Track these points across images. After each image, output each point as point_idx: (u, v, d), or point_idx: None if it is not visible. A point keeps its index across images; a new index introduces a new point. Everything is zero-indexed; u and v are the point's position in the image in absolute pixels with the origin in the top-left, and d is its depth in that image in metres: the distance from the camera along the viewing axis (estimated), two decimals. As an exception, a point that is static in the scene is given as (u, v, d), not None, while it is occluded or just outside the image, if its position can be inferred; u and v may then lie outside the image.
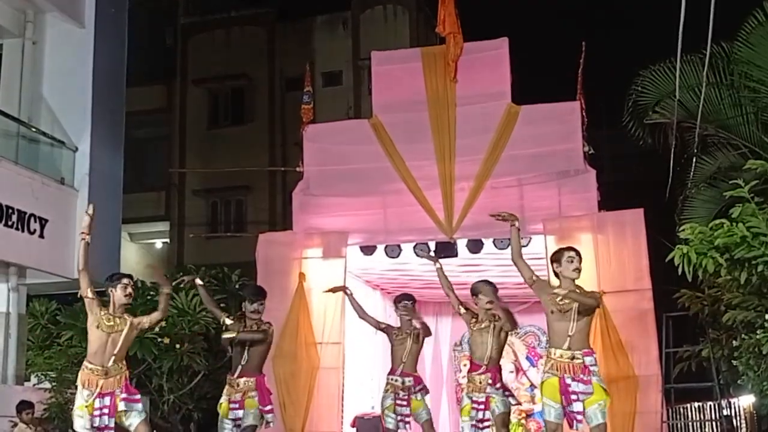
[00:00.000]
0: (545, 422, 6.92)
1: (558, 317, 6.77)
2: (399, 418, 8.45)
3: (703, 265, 6.76)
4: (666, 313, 9.92)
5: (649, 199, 10.81)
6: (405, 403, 8.43)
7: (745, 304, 7.90)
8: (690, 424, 16.43)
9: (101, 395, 6.83)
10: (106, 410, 6.80)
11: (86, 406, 6.82)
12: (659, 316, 9.77)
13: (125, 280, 7.18)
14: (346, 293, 9.21)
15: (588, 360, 6.71)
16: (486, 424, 7.74)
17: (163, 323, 12.47)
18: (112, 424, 6.84)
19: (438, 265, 8.39)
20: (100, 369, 6.90)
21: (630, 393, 9.28)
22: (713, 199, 11.47)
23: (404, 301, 8.67)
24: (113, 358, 6.95)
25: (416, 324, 8.70)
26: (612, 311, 9.51)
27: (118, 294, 7.10)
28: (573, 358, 6.68)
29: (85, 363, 7.02)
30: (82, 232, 7.36)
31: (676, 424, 15.94)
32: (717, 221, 6.82)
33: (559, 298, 6.77)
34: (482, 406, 7.68)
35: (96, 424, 6.79)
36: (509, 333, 8.08)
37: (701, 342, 10.02)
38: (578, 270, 6.87)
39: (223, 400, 7.85)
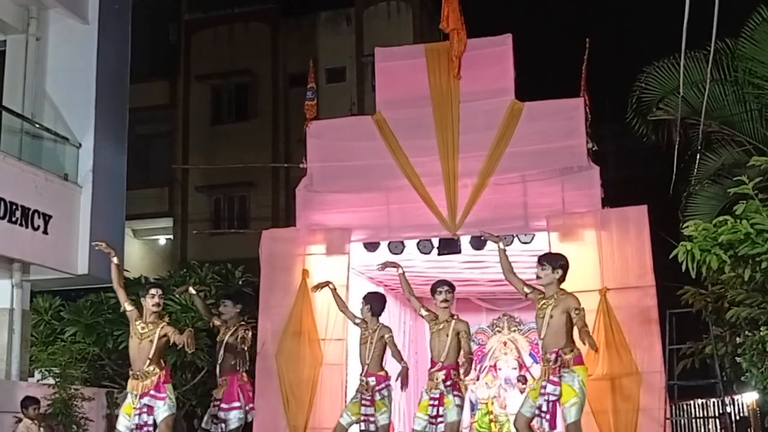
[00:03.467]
0: (517, 413, 7.45)
1: (538, 321, 7.29)
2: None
3: (706, 262, 6.76)
4: (669, 310, 9.90)
5: (652, 195, 10.78)
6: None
7: (748, 301, 7.90)
8: (693, 421, 16.43)
9: (141, 396, 7.55)
10: (145, 409, 7.52)
11: (127, 407, 7.72)
12: (663, 312, 9.75)
13: (152, 291, 7.86)
14: (329, 288, 9.22)
15: (552, 357, 7.05)
16: (440, 420, 7.94)
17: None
18: (151, 421, 7.55)
19: (401, 271, 8.62)
20: (138, 373, 7.66)
21: (633, 389, 9.29)
22: (717, 195, 11.45)
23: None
24: (148, 362, 7.60)
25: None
26: (615, 308, 9.51)
27: (147, 303, 7.82)
28: (547, 361, 7.10)
29: (129, 371, 7.83)
30: (109, 254, 8.17)
31: (679, 421, 15.94)
32: (721, 218, 6.82)
33: (540, 303, 7.28)
34: (436, 402, 7.94)
35: (137, 422, 7.52)
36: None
37: (704, 339, 10.00)
38: (539, 277, 7.37)
39: None
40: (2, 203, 10.96)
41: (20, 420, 9.92)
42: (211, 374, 13.24)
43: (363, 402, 8.41)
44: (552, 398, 6.93)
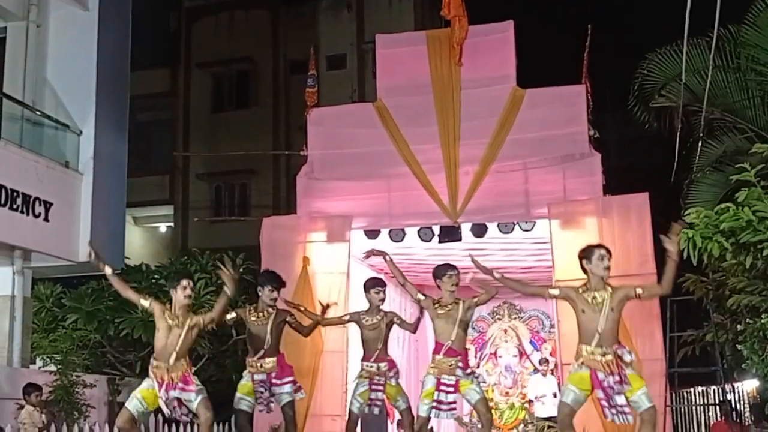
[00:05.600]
0: (560, 404, 6.84)
1: (589, 315, 6.64)
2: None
3: (708, 250, 6.76)
4: (670, 298, 9.90)
5: (654, 183, 10.77)
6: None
7: (750, 289, 7.89)
8: (693, 408, 16.46)
9: (167, 388, 7.25)
10: (175, 402, 7.28)
11: (146, 392, 7.31)
12: (663, 300, 9.75)
13: (184, 282, 7.39)
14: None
15: (619, 351, 6.61)
16: (452, 406, 7.78)
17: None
18: (182, 412, 7.36)
19: (388, 258, 8.36)
20: (163, 365, 7.26)
21: (634, 377, 9.28)
22: (719, 183, 11.43)
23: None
24: (174, 354, 7.24)
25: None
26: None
27: (178, 295, 7.37)
28: (604, 354, 6.58)
29: (151, 360, 7.39)
30: (99, 267, 7.69)
31: (680, 409, 15.97)
32: (723, 205, 6.81)
33: (590, 296, 6.67)
34: (451, 389, 7.70)
35: (180, 414, 7.35)
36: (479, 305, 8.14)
37: (705, 326, 10.01)
38: (608, 268, 6.73)
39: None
40: (3, 190, 10.96)
41: (22, 407, 9.94)
42: (212, 361, 13.31)
43: (374, 387, 8.35)
44: (619, 389, 6.54)
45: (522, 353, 15.07)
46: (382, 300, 8.47)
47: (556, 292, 7.03)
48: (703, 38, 11.35)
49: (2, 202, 10.93)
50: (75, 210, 12.23)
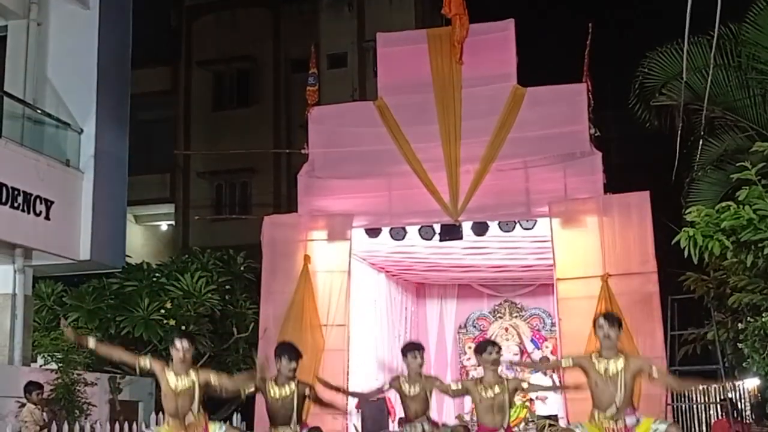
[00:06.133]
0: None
1: (602, 387, 6.54)
2: None
3: (709, 248, 6.75)
4: (671, 296, 9.91)
5: (655, 181, 10.78)
6: None
7: (750, 287, 7.89)
8: (694, 406, 16.44)
9: None
10: None
11: None
12: (665, 298, 9.76)
13: (177, 343, 6.94)
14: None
15: (629, 421, 6.56)
16: None
17: (169, 305, 12.56)
18: None
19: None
20: (180, 424, 6.92)
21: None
22: (720, 181, 11.42)
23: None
24: (191, 414, 6.92)
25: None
26: (617, 294, 9.52)
27: (174, 355, 6.97)
28: (617, 421, 6.53)
29: (166, 417, 7.06)
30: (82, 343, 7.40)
31: (681, 407, 15.95)
32: (723, 204, 6.80)
33: (602, 367, 6.56)
34: None
35: None
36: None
37: (706, 325, 10.01)
38: (608, 336, 6.61)
39: None
40: (4, 189, 10.97)
41: (23, 405, 9.95)
42: (213, 360, 13.30)
43: None
44: None
45: (523, 352, 15.05)
46: (421, 365, 7.94)
47: (569, 363, 6.92)
48: (703, 37, 11.33)
49: (3, 200, 10.94)
50: (76, 208, 12.24)
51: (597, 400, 6.60)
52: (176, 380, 6.89)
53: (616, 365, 6.53)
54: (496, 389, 7.27)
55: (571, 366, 6.89)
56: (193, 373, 6.96)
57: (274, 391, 7.51)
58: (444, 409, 13.25)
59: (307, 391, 7.70)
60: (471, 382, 7.57)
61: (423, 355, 7.97)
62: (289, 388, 7.51)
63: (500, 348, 7.49)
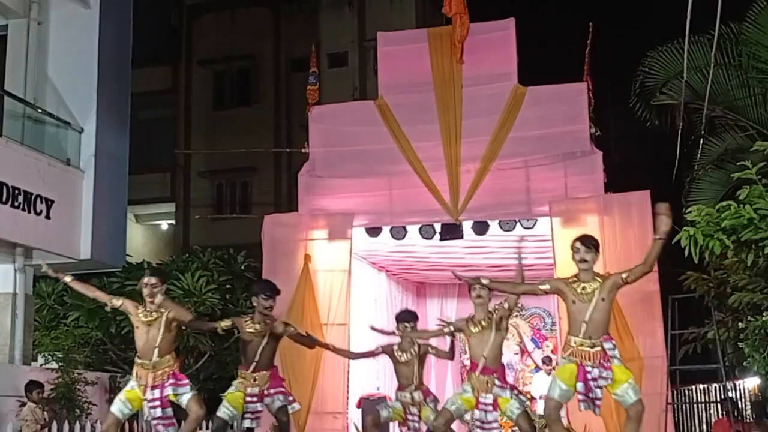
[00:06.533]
0: (547, 398, 6.76)
1: (579, 306, 6.59)
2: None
3: (709, 247, 6.74)
4: (672, 295, 9.90)
5: (655, 180, 10.76)
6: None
7: (751, 286, 7.88)
8: (695, 405, 16.45)
9: (152, 387, 7.12)
10: (158, 402, 7.11)
11: (131, 393, 7.22)
12: (665, 298, 9.76)
13: (144, 279, 7.27)
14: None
15: (607, 345, 6.56)
16: (494, 425, 7.49)
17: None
18: (169, 414, 7.17)
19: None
20: (147, 363, 7.15)
21: (635, 375, 9.15)
22: (720, 180, 11.42)
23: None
24: (157, 351, 7.14)
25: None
26: (618, 293, 9.49)
27: (144, 292, 7.25)
28: (593, 346, 6.53)
29: (135, 359, 7.33)
30: (59, 277, 7.72)
31: (681, 406, 15.96)
32: (724, 203, 6.79)
33: (580, 287, 6.63)
34: (490, 407, 7.42)
35: (155, 416, 7.13)
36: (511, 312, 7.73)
37: (707, 324, 10.00)
38: (583, 260, 6.67)
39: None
40: (5, 188, 10.97)
41: (24, 404, 9.96)
42: (214, 359, 13.32)
43: (409, 419, 8.20)
44: (604, 384, 6.51)
45: (523, 351, 15.08)
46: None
47: (546, 286, 6.93)
48: (704, 36, 11.33)
49: (4, 199, 10.94)
50: (76, 207, 12.24)
51: (572, 321, 6.63)
52: (145, 318, 7.17)
53: (593, 285, 6.60)
54: (483, 324, 7.48)
55: (548, 289, 6.90)
56: (162, 313, 7.19)
57: (249, 330, 7.72)
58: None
59: (281, 329, 7.82)
60: (462, 322, 7.74)
61: (416, 325, 8.27)
62: (263, 325, 7.71)
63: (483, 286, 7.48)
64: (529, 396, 14.69)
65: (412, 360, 8.22)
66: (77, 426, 10.34)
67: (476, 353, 7.54)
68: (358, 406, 10.93)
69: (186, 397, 7.13)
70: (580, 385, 6.58)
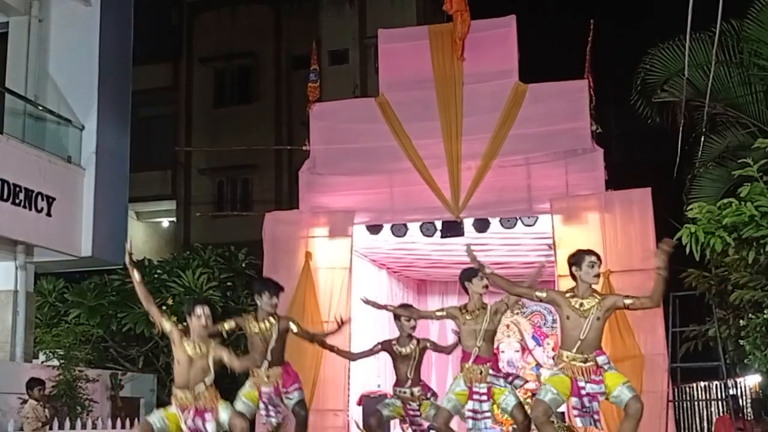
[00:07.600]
0: (537, 401, 6.63)
1: (574, 322, 6.51)
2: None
3: (710, 245, 6.74)
4: (673, 293, 9.89)
5: (656, 178, 10.77)
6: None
7: (752, 284, 7.89)
8: (696, 403, 16.45)
9: (194, 415, 6.84)
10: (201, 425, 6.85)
11: (172, 416, 6.92)
12: (666, 295, 9.73)
13: (198, 310, 6.92)
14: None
15: (600, 359, 6.51)
16: (487, 415, 7.42)
17: (170, 301, 12.57)
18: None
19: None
20: (189, 395, 6.85)
21: (636, 372, 9.29)
22: (721, 178, 11.41)
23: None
24: (202, 385, 6.85)
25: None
26: (618, 291, 9.47)
27: (193, 323, 6.94)
28: (585, 361, 6.47)
29: (174, 389, 6.99)
30: (131, 271, 7.48)
31: (682, 404, 15.96)
32: (725, 200, 6.80)
33: (577, 303, 6.54)
34: (485, 397, 7.37)
35: None
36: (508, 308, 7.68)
37: (708, 321, 10.00)
38: (598, 276, 6.64)
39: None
40: (6, 185, 10.98)
41: (25, 401, 9.96)
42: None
43: (410, 413, 8.17)
44: (601, 398, 6.46)
45: (524, 348, 15.06)
46: (414, 327, 8.13)
47: (543, 294, 6.81)
48: (705, 33, 11.32)
49: (5, 197, 10.94)
50: (77, 205, 12.24)
51: (565, 335, 6.56)
52: (193, 349, 6.84)
53: (591, 302, 6.52)
54: (477, 314, 7.42)
55: (544, 297, 6.81)
56: (210, 345, 6.91)
57: (254, 330, 7.67)
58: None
59: (289, 325, 7.78)
60: (456, 309, 7.66)
61: (415, 320, 8.18)
62: (269, 323, 7.67)
63: (483, 276, 7.42)
64: (527, 393, 14.70)
65: (410, 355, 8.19)
66: (78, 423, 10.35)
67: (469, 343, 7.45)
68: (359, 404, 10.95)
69: (225, 415, 6.90)
70: (575, 401, 6.52)
